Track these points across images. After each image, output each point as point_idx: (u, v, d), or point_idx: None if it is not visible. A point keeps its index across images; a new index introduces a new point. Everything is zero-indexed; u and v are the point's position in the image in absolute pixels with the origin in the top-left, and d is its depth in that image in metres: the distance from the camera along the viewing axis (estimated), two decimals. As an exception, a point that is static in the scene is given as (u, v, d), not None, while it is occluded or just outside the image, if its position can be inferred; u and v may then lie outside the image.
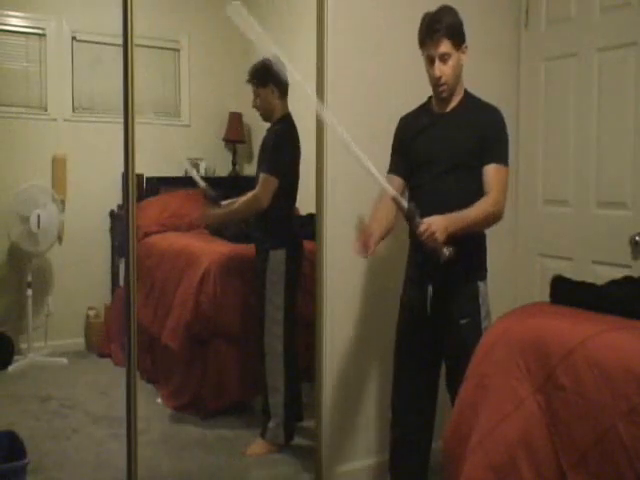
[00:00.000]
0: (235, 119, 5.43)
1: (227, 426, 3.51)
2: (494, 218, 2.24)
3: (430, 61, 2.24)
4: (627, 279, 2.04)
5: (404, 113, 2.46)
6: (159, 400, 3.81)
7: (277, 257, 3.16)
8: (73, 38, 4.89)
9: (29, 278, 4.54)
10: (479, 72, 3.09)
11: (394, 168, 2.39)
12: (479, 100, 2.35)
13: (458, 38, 2.24)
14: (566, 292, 1.96)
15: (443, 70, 2.22)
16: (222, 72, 5.42)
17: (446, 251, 2.05)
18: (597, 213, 2.86)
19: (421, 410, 2.39)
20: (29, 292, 4.53)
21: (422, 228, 2.03)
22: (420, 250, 2.28)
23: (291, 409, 3.23)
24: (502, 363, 1.78)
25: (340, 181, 2.75)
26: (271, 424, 3.22)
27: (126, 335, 2.01)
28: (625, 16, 2.72)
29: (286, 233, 3.21)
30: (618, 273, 2.24)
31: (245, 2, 1.86)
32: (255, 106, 3.29)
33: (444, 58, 2.22)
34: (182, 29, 5.31)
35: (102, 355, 4.70)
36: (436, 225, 2.02)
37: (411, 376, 2.37)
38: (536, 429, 1.67)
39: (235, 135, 5.45)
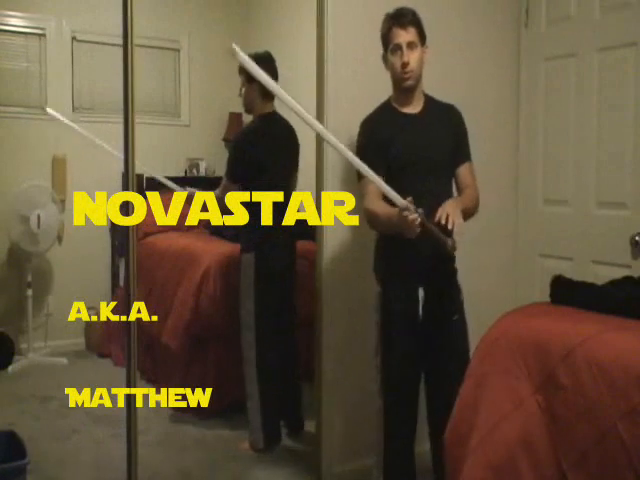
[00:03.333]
0: (235, 119, 5.42)
1: (227, 426, 3.51)
2: (474, 210, 2.29)
3: (396, 49, 2.24)
4: (627, 279, 2.04)
5: None
6: (159, 400, 3.81)
7: (247, 261, 3.14)
8: (73, 38, 4.89)
9: (29, 278, 4.54)
10: (479, 72, 3.10)
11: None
12: (438, 100, 2.39)
13: (423, 33, 2.28)
14: (566, 292, 1.96)
15: (410, 57, 2.23)
16: (222, 72, 5.41)
17: (450, 242, 2.08)
18: (597, 213, 2.86)
19: (413, 409, 2.38)
20: (29, 292, 4.53)
21: (439, 214, 2.03)
22: (410, 252, 2.26)
23: (271, 414, 3.19)
24: (502, 363, 1.78)
25: (340, 181, 2.75)
26: (250, 429, 3.20)
27: (126, 335, 2.01)
28: (625, 16, 2.72)
29: (254, 237, 3.13)
30: (618, 273, 2.24)
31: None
32: (240, 95, 3.30)
33: (411, 46, 2.23)
34: (182, 29, 5.31)
35: (102, 355, 4.70)
36: (451, 211, 2.03)
37: (404, 378, 2.36)
38: (536, 429, 1.67)
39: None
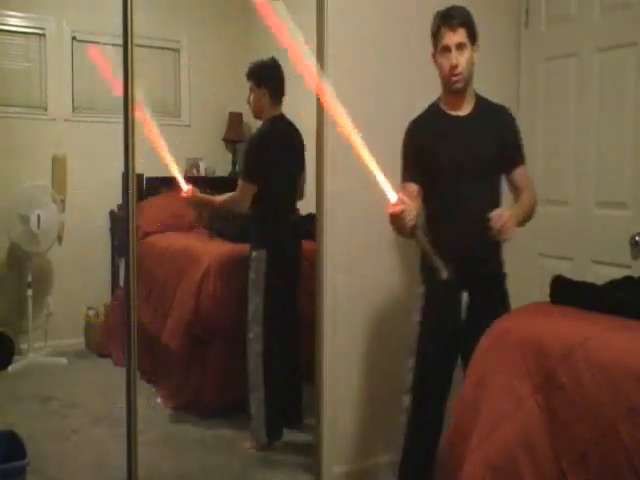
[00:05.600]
0: (235, 119, 5.43)
1: (227, 426, 3.51)
2: (531, 214, 2.26)
3: (445, 51, 2.19)
4: (627, 279, 2.04)
5: (406, 114, 2.42)
6: (159, 400, 3.81)
7: (258, 257, 3.21)
8: (73, 38, 4.88)
9: (29, 278, 4.54)
10: (479, 72, 3.08)
11: (409, 175, 2.27)
12: (490, 101, 2.33)
13: (473, 32, 2.21)
14: (566, 292, 1.96)
15: (459, 60, 2.17)
16: (222, 72, 5.42)
17: (446, 273, 1.90)
18: (597, 213, 2.86)
19: (440, 412, 2.34)
20: (29, 292, 4.52)
21: (494, 220, 1.98)
22: (456, 254, 2.17)
23: (275, 409, 3.24)
24: (502, 363, 1.78)
25: (340, 181, 2.75)
26: (252, 424, 3.24)
27: (126, 335, 2.01)
28: (625, 16, 2.72)
29: (267, 234, 3.25)
30: (618, 273, 2.24)
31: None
32: (248, 102, 3.38)
33: (460, 48, 2.17)
34: (182, 29, 5.31)
35: (102, 355, 4.69)
36: (507, 217, 1.99)
37: (436, 379, 2.33)
38: (536, 429, 1.67)
39: (235, 135, 5.45)
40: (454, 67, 2.18)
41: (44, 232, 4.46)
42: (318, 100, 2.77)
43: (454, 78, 2.20)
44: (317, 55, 2.76)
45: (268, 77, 3.27)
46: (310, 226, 3.08)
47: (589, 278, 2.18)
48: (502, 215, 2.01)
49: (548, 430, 1.65)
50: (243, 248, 3.66)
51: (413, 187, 2.25)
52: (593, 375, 1.56)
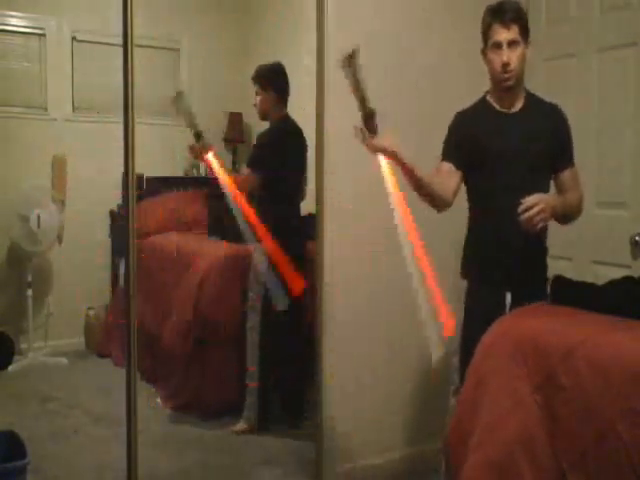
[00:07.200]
0: (235, 119, 5.42)
1: (227, 426, 3.51)
2: (572, 214, 2.25)
3: (496, 47, 2.14)
4: (627, 279, 2.04)
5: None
6: (158, 400, 3.81)
7: (261, 249, 3.27)
8: (73, 38, 4.88)
9: (29, 278, 4.53)
10: (479, 72, 3.09)
11: (448, 157, 2.24)
12: (541, 98, 2.29)
13: (526, 28, 2.16)
14: (566, 292, 1.96)
15: (511, 57, 2.12)
16: (222, 72, 5.41)
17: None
18: (597, 213, 2.86)
19: None
20: (29, 292, 4.52)
21: (529, 203, 1.93)
22: (500, 253, 2.18)
23: (268, 398, 3.38)
24: (502, 362, 1.78)
25: (340, 181, 2.75)
26: (245, 410, 3.37)
27: (126, 335, 2.01)
28: (625, 16, 2.72)
29: (270, 228, 3.30)
30: (618, 273, 2.24)
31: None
32: (255, 104, 3.48)
33: (513, 44, 2.12)
34: (182, 29, 5.30)
35: (102, 355, 4.69)
36: (544, 202, 1.94)
37: None
38: (535, 428, 1.67)
39: (235, 135, 5.45)
40: (506, 64, 2.12)
41: (44, 232, 4.46)
42: (318, 99, 2.77)
43: (505, 75, 2.14)
44: (317, 54, 2.77)
45: (274, 80, 3.38)
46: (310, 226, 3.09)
47: (589, 278, 2.18)
48: (535, 202, 1.94)
49: (548, 429, 1.65)
50: (243, 248, 3.67)
51: (449, 166, 2.22)
52: (593, 375, 1.56)
